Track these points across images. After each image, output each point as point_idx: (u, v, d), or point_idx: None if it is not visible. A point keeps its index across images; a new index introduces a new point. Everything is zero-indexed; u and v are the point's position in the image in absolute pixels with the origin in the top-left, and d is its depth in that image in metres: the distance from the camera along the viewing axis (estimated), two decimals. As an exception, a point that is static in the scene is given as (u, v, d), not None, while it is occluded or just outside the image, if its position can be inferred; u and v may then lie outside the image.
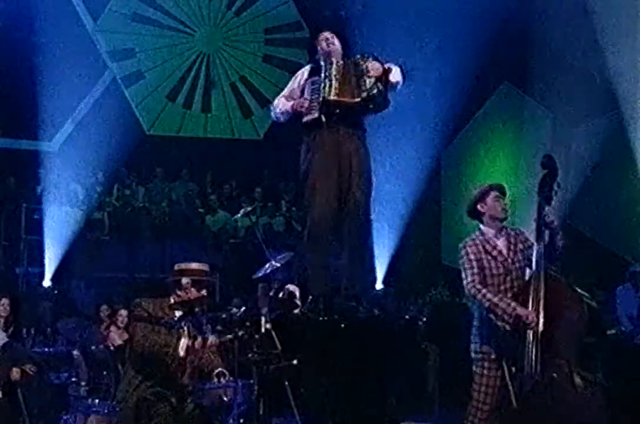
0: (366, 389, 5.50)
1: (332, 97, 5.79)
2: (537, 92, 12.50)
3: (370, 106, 5.90)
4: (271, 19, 14.84)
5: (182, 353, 5.28)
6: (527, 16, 12.27)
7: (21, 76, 12.70)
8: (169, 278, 5.62)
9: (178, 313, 5.38)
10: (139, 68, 14.36)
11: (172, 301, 5.51)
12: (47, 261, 11.56)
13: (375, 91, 5.81)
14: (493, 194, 5.33)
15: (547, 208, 5.11)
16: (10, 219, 12.08)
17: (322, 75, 5.86)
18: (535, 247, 5.10)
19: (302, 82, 6.05)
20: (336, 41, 6.08)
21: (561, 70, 11.46)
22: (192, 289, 5.49)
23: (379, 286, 12.18)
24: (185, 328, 5.37)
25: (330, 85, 5.80)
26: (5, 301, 8.01)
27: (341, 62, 5.92)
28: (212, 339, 5.38)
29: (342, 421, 5.40)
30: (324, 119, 5.82)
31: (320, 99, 5.80)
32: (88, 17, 14.05)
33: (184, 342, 5.31)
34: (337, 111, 5.82)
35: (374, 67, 5.83)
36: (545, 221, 5.09)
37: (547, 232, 5.13)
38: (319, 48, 6.13)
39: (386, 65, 5.89)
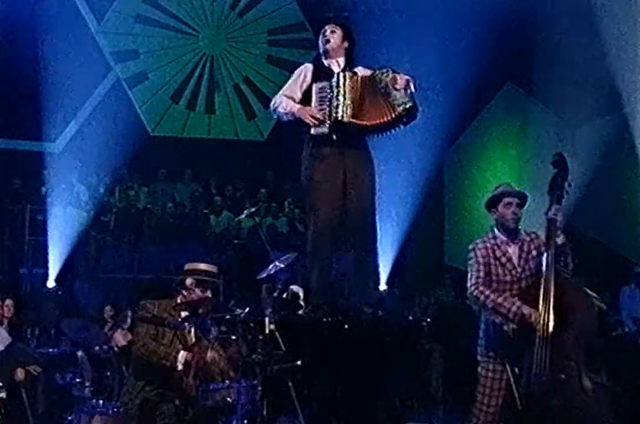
0: (370, 390, 5.49)
1: (346, 119, 5.55)
2: (540, 92, 12.50)
3: (405, 120, 5.61)
4: (275, 19, 14.82)
5: (180, 366, 5.25)
6: (530, 17, 12.27)
7: (25, 77, 12.71)
8: (176, 277, 5.63)
9: (183, 314, 5.39)
10: (142, 69, 14.36)
11: (178, 301, 5.51)
12: (51, 262, 11.55)
13: (411, 103, 5.53)
14: (506, 200, 5.13)
15: (555, 207, 4.98)
16: (14, 220, 12.10)
17: (333, 90, 5.58)
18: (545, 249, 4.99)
19: (304, 85, 5.76)
20: (335, 37, 5.79)
21: (565, 71, 11.45)
22: (196, 289, 5.48)
23: (382, 286, 12.15)
24: (190, 330, 5.37)
25: (345, 106, 5.54)
26: (9, 302, 8.05)
27: (351, 76, 5.63)
28: (214, 354, 5.39)
29: (346, 421, 5.40)
30: (335, 137, 5.60)
31: (332, 115, 5.56)
32: (92, 18, 14.06)
33: (182, 355, 5.29)
34: (350, 131, 5.59)
35: (399, 79, 5.54)
36: (551, 218, 4.97)
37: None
38: (319, 45, 5.86)
39: (404, 76, 5.61)
